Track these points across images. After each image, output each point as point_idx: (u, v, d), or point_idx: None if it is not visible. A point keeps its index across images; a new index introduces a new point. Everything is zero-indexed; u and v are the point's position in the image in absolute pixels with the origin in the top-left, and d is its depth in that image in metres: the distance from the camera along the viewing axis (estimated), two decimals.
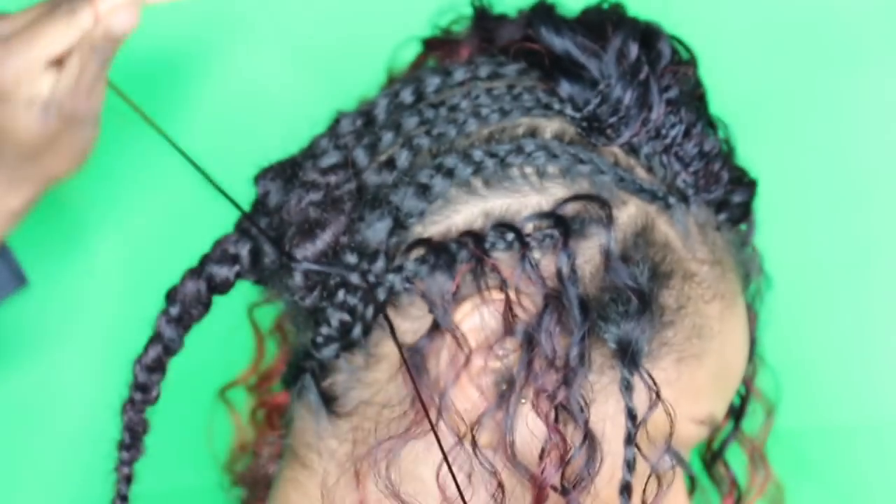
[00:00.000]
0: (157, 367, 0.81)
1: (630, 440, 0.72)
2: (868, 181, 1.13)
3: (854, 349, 1.14)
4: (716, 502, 0.98)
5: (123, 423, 0.82)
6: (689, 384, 0.76)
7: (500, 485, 0.73)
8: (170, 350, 0.81)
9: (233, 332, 0.98)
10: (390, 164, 0.76)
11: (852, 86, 1.12)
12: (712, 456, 0.97)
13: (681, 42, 0.81)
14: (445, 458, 0.73)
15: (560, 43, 0.78)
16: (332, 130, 0.81)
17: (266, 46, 1.15)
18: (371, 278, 0.74)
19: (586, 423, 0.72)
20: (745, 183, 0.83)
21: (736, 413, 0.95)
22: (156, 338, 0.80)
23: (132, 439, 0.82)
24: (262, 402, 1.03)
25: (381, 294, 0.75)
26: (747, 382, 0.94)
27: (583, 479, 0.71)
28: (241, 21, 1.15)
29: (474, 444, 0.72)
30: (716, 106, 0.83)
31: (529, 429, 0.73)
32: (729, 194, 0.81)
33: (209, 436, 1.03)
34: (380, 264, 0.74)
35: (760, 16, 1.13)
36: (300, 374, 0.80)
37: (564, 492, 0.72)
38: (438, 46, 0.87)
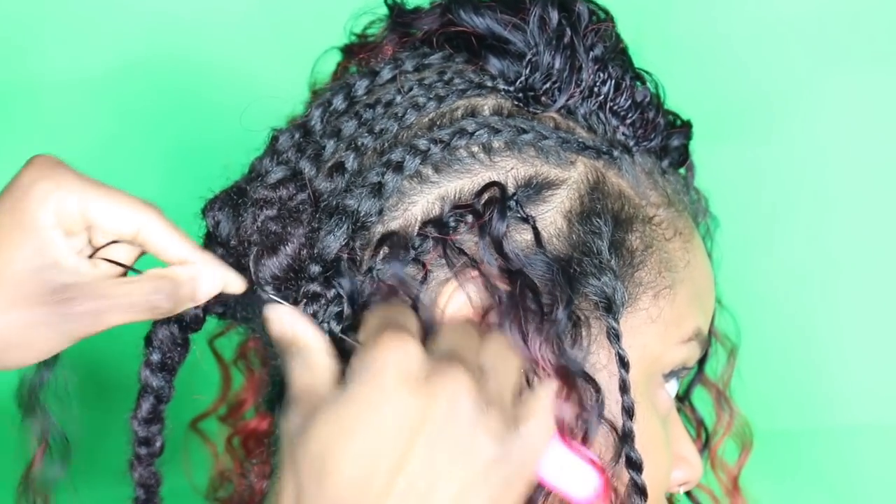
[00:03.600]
0: (154, 419, 0.80)
1: (625, 388, 0.73)
2: (871, 183, 1.15)
3: (856, 351, 1.17)
4: None
5: (135, 481, 0.81)
6: (670, 314, 0.78)
7: None
8: (162, 398, 0.80)
9: (195, 364, 0.98)
10: (339, 168, 0.76)
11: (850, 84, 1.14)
12: (678, 400, 0.99)
13: (595, 3, 0.83)
14: None
15: (481, 22, 0.79)
16: (272, 148, 0.80)
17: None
18: (337, 288, 0.74)
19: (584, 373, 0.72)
20: (679, 127, 0.85)
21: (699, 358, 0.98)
22: (144, 389, 0.79)
23: (147, 494, 0.82)
24: (237, 430, 1.03)
25: (356, 298, 0.74)
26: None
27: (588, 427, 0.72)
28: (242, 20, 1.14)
29: None
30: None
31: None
32: (667, 140, 0.84)
33: (186, 468, 1.03)
34: (342, 271, 0.73)
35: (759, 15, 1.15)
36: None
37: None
38: (358, 52, 0.87)
